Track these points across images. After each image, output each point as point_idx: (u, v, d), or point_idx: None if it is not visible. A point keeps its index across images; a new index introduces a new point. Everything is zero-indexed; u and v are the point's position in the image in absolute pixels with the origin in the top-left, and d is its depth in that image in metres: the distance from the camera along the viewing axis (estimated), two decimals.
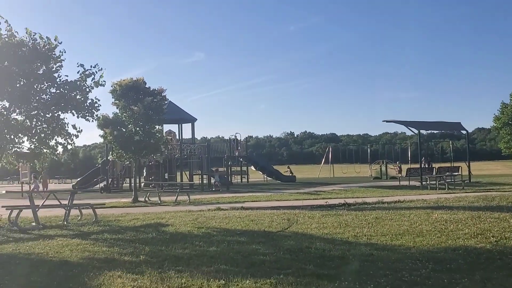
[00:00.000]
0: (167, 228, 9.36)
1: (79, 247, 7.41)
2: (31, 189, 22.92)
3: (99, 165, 29.63)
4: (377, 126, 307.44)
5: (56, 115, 10.52)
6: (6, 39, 9.78)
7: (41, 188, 23.70)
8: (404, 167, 34.85)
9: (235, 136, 31.84)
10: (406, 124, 25.18)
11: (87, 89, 10.71)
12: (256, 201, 15.79)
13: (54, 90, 10.54)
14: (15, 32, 10.07)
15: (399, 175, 30.50)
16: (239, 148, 30.87)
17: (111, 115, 16.77)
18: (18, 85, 10.06)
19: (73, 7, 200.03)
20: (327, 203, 13.78)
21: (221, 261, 6.07)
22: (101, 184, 27.27)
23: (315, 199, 16.19)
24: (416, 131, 24.62)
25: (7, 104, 10.53)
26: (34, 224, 10.44)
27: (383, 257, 6.25)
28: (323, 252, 6.62)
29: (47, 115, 10.50)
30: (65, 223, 10.71)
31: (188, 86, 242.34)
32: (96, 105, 10.93)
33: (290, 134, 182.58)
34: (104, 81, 10.93)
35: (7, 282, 5.35)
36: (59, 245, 7.68)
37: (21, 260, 6.61)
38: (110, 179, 26.99)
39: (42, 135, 10.58)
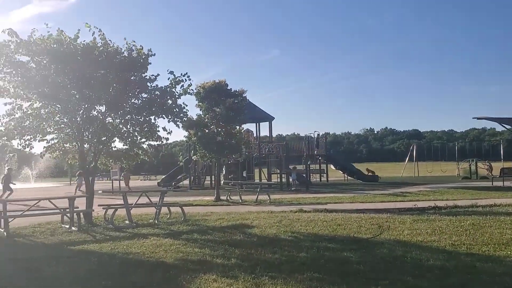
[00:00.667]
0: (253, 230, 9.42)
1: (172, 248, 7.66)
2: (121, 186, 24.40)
3: (181, 163, 30.79)
4: (463, 122, 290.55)
5: (147, 119, 11.04)
6: (101, 48, 10.39)
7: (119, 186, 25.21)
8: (495, 166, 32.49)
9: (314, 134, 31.54)
10: (500, 121, 23.46)
11: (176, 95, 11.16)
12: (339, 202, 15.47)
13: (145, 96, 11.07)
14: (109, 40, 10.71)
15: (490, 174, 28.49)
16: (318, 146, 30.51)
17: (194, 117, 17.35)
18: (112, 91, 10.67)
19: (151, 5, 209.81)
20: (416, 206, 13.15)
21: (313, 268, 5.95)
22: (184, 182, 28.37)
23: (402, 201, 15.54)
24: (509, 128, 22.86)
25: (103, 109, 11.24)
26: (127, 222, 11.03)
27: (487, 269, 5.81)
28: (420, 261, 6.28)
29: (140, 119, 11.06)
30: (156, 221, 11.20)
31: (263, 83, 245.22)
32: (184, 110, 11.35)
33: (369, 130, 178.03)
34: (192, 89, 11.41)
35: (110, 282, 5.64)
36: (153, 245, 8.00)
37: (120, 259, 6.96)
38: (192, 177, 27.94)
39: (135, 138, 11.15)
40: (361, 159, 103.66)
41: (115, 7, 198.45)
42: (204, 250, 7.46)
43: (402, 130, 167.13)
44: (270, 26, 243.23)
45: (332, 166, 32.81)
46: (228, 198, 17.72)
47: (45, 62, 10.29)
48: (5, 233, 9.69)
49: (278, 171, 27.58)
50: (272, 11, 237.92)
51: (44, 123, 11.23)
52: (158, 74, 11.13)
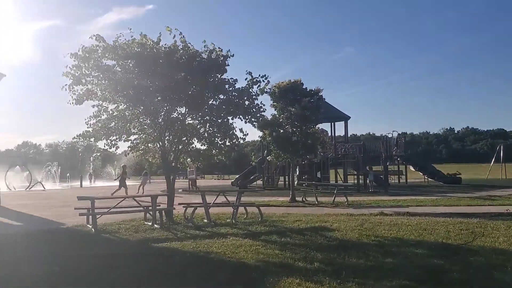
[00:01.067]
0: (334, 234, 9.13)
1: (252, 249, 7.60)
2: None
3: (254, 163, 31.01)
4: None
5: (225, 120, 11.13)
6: (182, 51, 10.62)
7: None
8: None
9: (392, 134, 30.37)
10: None
11: (254, 96, 11.15)
12: (421, 205, 14.67)
13: (223, 97, 11.17)
14: (189, 43, 10.93)
15: None
16: (397, 146, 29.32)
17: (269, 117, 17.31)
18: (192, 93, 10.88)
19: (230, 7, 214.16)
20: (508, 211, 12.10)
21: (402, 275, 5.59)
22: (257, 182, 28.54)
23: (491, 205, 14.42)
24: None
25: (183, 110, 11.50)
26: (206, 221, 11.19)
27: None
28: None
29: (217, 120, 11.18)
30: (233, 221, 11.26)
31: (337, 82, 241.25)
32: (261, 110, 11.32)
33: (449, 130, 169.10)
34: (269, 88, 11.35)
35: (195, 281, 5.67)
36: (233, 245, 8.00)
37: (202, 259, 7.01)
38: (266, 177, 28.02)
39: (213, 138, 11.30)
40: (440, 160, 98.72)
41: (188, 11, 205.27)
42: (285, 253, 7.30)
43: (485, 130, 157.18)
44: (342, 23, 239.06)
45: (411, 167, 31.40)
46: (304, 199, 17.48)
47: (130, 65, 10.72)
48: (93, 229, 10.21)
49: (355, 172, 26.85)
50: (344, 8, 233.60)
51: (128, 124, 11.73)
52: (236, 80, 11.21)
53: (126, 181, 22.11)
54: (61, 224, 11.84)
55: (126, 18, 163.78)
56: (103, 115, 11.69)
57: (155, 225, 10.69)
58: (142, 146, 12.41)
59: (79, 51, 10.27)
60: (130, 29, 10.69)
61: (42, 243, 8.77)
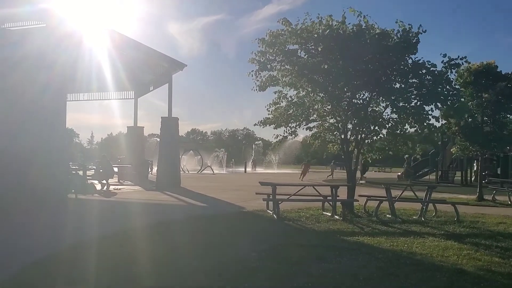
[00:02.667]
0: None
1: (464, 253, 6.53)
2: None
3: (418, 156, 28.63)
4: None
5: (417, 105, 10.03)
6: (371, 31, 9.81)
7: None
8: None
9: None
10: None
11: (451, 80, 9.84)
12: None
13: (415, 80, 10.08)
14: (374, 23, 10.06)
15: None
16: None
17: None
18: (380, 76, 10.03)
19: None
20: None
21: None
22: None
23: None
24: None
25: (367, 96, 10.73)
26: (389, 216, 10.31)
27: None
28: None
29: (407, 106, 10.14)
30: (422, 218, 10.16)
31: None
32: (460, 95, 9.94)
33: None
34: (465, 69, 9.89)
35: (405, 284, 4.93)
36: (436, 246, 7.02)
37: (406, 259, 6.19)
38: (440, 172, 25.62)
39: (400, 126, 10.32)
40: None
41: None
42: (509, 261, 6.10)
43: None
44: None
45: None
46: (493, 198, 15.29)
47: (315, 48, 10.27)
48: (274, 215, 10.14)
49: None
50: None
51: (307, 111, 11.41)
52: (435, 64, 9.98)
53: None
54: (242, 207, 12.16)
55: (285, 9, 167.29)
56: (283, 102, 11.59)
57: (336, 216, 10.20)
58: (321, 135, 12.01)
59: (266, 36, 10.21)
60: (307, 13, 10.26)
61: (234, 226, 8.94)
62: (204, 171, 38.76)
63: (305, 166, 29.52)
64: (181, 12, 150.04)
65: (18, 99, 11.23)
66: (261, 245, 6.91)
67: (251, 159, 53.08)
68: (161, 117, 21.27)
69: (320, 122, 11.80)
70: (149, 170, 28.31)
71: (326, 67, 9.78)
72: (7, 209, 10.05)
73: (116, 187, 18.96)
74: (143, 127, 28.15)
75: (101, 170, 18.36)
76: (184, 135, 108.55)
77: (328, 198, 10.76)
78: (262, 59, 10.56)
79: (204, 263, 5.80)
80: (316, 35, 9.98)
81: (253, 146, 61.01)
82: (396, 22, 9.80)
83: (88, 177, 17.18)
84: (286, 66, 10.46)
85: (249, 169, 46.86)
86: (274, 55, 10.48)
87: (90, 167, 20.14)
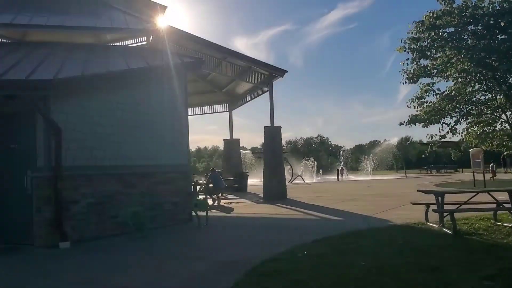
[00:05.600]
0: None
1: None
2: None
3: None
4: None
5: None
6: None
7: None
8: None
9: None
10: None
11: None
12: None
13: None
14: None
15: None
16: None
17: None
18: None
19: None
20: None
21: None
22: None
23: None
24: None
25: None
26: None
27: None
28: None
29: None
30: None
31: None
32: None
33: None
34: None
35: None
36: None
37: None
38: None
39: None
40: None
41: None
42: None
43: None
44: None
45: None
46: None
47: (476, 29, 8.64)
48: (445, 229, 8.54)
49: None
50: None
51: (460, 104, 9.72)
52: None
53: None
54: (387, 220, 10.59)
55: (351, 13, 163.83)
56: (429, 95, 10.01)
57: None
58: (479, 130, 10.23)
59: (425, 17, 8.71)
60: None
61: (412, 243, 7.37)
62: (295, 181, 37.48)
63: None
64: (246, 27, 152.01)
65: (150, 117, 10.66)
66: (484, 270, 5.36)
67: (341, 167, 51.10)
68: (264, 126, 20.31)
69: (477, 117, 10.04)
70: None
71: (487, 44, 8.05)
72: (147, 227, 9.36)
73: (224, 201, 18.15)
74: (239, 139, 27.59)
75: (211, 185, 17.69)
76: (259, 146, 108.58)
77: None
78: (417, 45, 9.06)
79: None
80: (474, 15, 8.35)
81: (341, 153, 58.99)
82: None
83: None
84: (448, 52, 8.86)
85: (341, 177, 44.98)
86: (431, 40, 8.95)
87: (200, 181, 19.60)
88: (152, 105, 10.76)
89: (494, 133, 9.87)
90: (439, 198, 8.99)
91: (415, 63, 9.16)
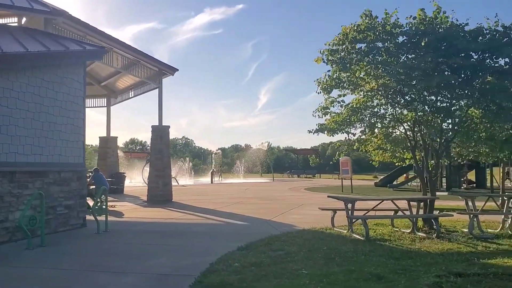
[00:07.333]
0: None
1: None
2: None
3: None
4: None
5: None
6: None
7: None
8: None
9: None
10: None
11: None
12: None
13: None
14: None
15: None
16: None
17: None
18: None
19: None
20: None
21: None
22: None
23: None
24: None
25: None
26: (466, 230, 9.43)
27: None
28: None
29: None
30: (510, 231, 9.46)
31: None
32: None
33: None
34: None
35: None
36: None
37: None
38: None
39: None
40: None
41: (279, 9, 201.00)
42: None
43: None
44: None
45: None
46: None
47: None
48: (354, 235, 9.00)
49: None
50: None
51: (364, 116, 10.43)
52: None
53: None
54: (292, 225, 10.76)
55: (218, 19, 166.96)
56: (335, 106, 10.56)
57: (418, 233, 9.22)
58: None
59: (348, 30, 9.06)
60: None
61: (337, 250, 7.46)
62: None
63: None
64: (110, 20, 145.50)
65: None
66: (423, 277, 5.68)
67: (211, 169, 51.29)
68: (152, 125, 19.34)
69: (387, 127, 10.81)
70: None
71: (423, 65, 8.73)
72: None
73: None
74: (117, 137, 25.86)
75: (93, 187, 16.16)
76: (122, 145, 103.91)
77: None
78: (335, 57, 9.39)
79: None
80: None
81: (212, 155, 59.21)
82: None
83: None
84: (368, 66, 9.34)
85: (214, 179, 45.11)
86: (348, 53, 9.35)
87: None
88: (48, 95, 9.38)
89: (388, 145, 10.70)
90: (349, 205, 9.41)
91: (335, 75, 9.44)
